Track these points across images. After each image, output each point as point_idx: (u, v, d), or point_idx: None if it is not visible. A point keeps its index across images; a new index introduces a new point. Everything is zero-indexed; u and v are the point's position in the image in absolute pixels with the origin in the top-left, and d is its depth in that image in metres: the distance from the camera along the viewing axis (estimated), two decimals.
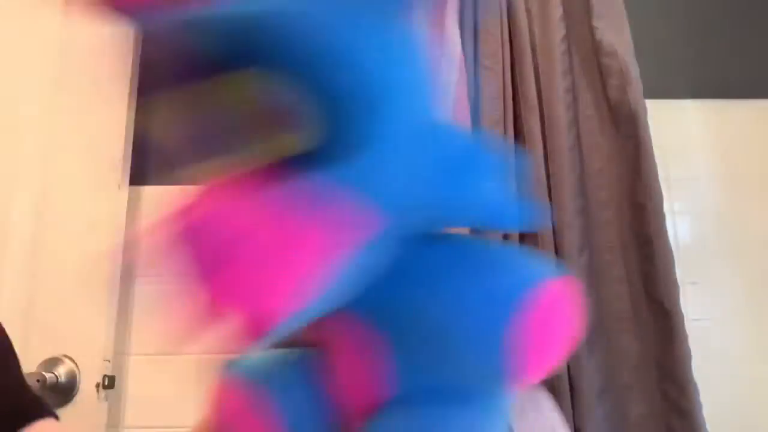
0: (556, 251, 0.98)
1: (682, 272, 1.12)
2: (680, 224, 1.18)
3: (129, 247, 1.09)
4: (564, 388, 0.91)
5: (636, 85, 1.03)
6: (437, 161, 0.27)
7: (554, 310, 0.26)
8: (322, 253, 0.22)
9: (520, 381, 0.26)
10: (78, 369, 0.90)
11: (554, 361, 0.27)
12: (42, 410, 0.52)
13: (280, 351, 0.36)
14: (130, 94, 1.03)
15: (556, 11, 1.10)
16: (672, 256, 0.95)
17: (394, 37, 0.26)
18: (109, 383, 0.92)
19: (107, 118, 1.01)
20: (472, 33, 1.08)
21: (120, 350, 1.05)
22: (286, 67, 0.22)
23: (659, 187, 0.98)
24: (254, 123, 0.23)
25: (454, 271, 0.27)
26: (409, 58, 0.26)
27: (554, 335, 0.26)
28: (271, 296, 0.22)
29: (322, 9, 0.23)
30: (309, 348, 0.33)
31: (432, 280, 0.27)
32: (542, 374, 0.26)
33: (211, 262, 0.22)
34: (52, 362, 0.90)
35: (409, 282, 0.27)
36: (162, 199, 1.11)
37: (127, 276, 1.08)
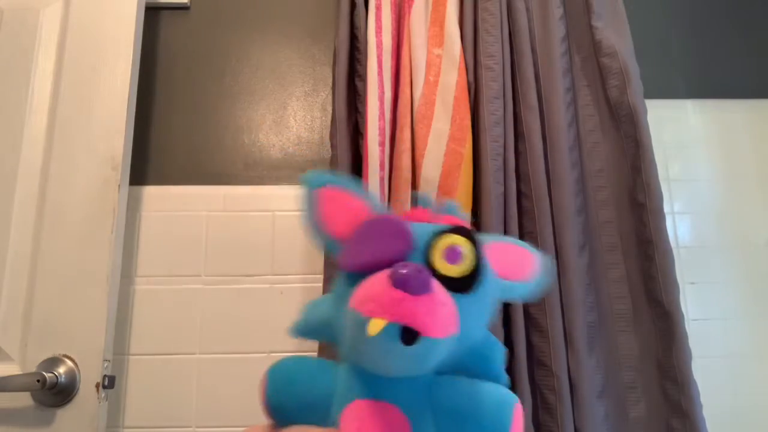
0: (556, 251, 0.98)
1: (682, 272, 1.12)
2: (680, 224, 1.18)
3: (129, 247, 1.10)
4: (564, 388, 0.91)
5: (636, 85, 1.03)
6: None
7: (521, 414, 0.45)
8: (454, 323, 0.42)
9: None
10: (78, 369, 0.90)
11: None
12: None
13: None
14: (130, 94, 1.03)
15: (556, 11, 1.10)
16: (672, 256, 0.95)
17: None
18: (109, 383, 0.92)
19: (107, 117, 1.01)
20: (472, 33, 1.08)
21: (120, 350, 1.05)
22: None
23: (659, 187, 0.98)
24: None
25: (464, 383, 0.47)
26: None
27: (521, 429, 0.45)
28: (445, 326, 0.40)
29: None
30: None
31: (451, 385, 0.47)
32: None
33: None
34: (52, 362, 0.90)
35: (436, 384, 0.46)
36: (162, 199, 1.12)
37: (127, 276, 1.08)
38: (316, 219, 0.53)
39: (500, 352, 0.51)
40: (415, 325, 0.39)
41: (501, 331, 0.93)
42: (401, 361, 0.41)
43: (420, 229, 0.47)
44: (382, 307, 0.39)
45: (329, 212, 0.52)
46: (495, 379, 0.49)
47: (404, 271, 0.40)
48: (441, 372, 0.47)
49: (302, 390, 0.47)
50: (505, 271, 0.52)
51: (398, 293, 0.39)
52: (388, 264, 0.43)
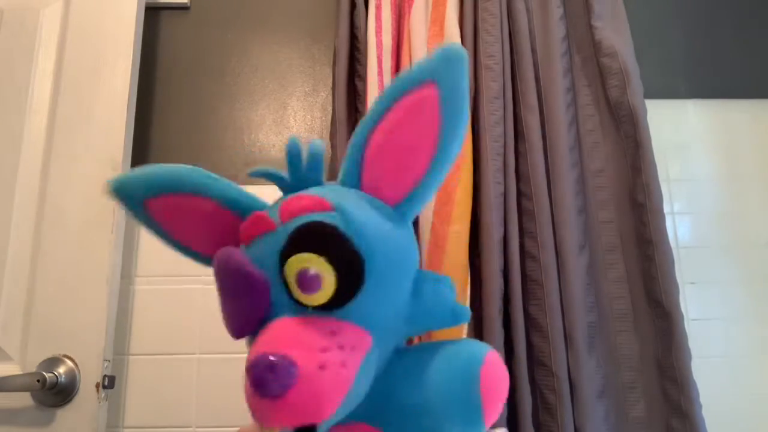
0: (556, 251, 0.98)
1: (682, 272, 1.12)
2: (680, 224, 1.18)
3: (129, 247, 1.10)
4: (564, 388, 0.91)
5: (636, 85, 1.03)
6: (409, 298, 0.42)
7: (496, 370, 0.39)
8: (346, 369, 0.34)
9: (484, 426, 0.39)
10: (78, 369, 0.90)
11: (501, 406, 0.39)
12: None
13: None
14: (130, 94, 1.03)
15: (556, 11, 1.10)
16: (672, 256, 0.95)
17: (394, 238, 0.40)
18: (109, 383, 0.92)
19: (107, 117, 1.01)
20: (472, 33, 1.08)
21: (120, 350, 1.05)
22: None
23: (659, 187, 0.98)
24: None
25: (420, 367, 0.40)
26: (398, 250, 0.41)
27: (499, 389, 0.39)
28: (321, 411, 0.34)
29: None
30: None
31: (407, 377, 0.40)
32: (495, 418, 0.38)
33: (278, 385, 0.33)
34: (52, 362, 0.90)
35: (392, 383, 0.40)
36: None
37: (127, 276, 1.08)
38: (170, 240, 0.45)
39: (442, 294, 0.42)
40: (304, 426, 0.34)
41: (501, 332, 0.93)
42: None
43: (267, 252, 0.38)
44: (265, 418, 0.35)
45: (185, 230, 0.44)
46: (451, 322, 0.42)
47: (254, 373, 0.33)
48: (397, 349, 0.43)
49: None
50: (402, 180, 0.40)
51: (266, 402, 0.34)
52: (259, 319, 0.38)
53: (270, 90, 1.22)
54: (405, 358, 0.42)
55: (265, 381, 0.33)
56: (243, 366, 1.10)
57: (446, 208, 0.95)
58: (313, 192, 0.41)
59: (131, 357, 1.06)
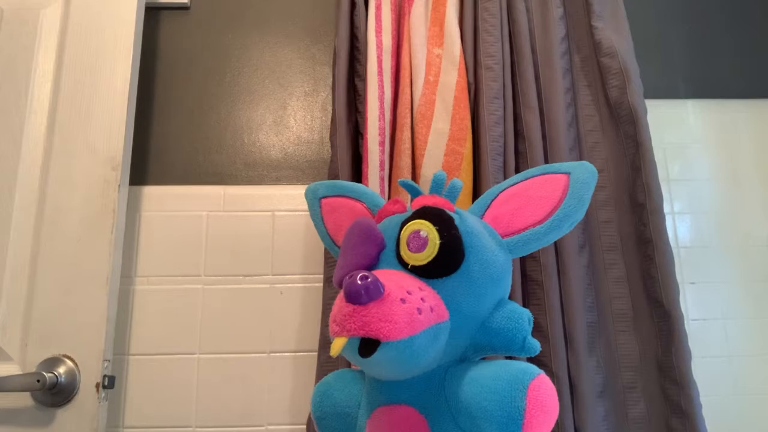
0: (556, 251, 0.98)
1: (682, 272, 1.12)
2: (680, 224, 1.18)
3: (129, 247, 1.10)
4: (564, 388, 0.91)
5: (636, 85, 1.03)
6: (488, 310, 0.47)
7: (547, 387, 0.41)
8: (421, 316, 0.39)
9: None
10: (78, 369, 0.90)
11: (547, 425, 0.40)
12: None
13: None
14: (130, 94, 1.03)
15: (556, 11, 1.10)
16: (672, 256, 0.95)
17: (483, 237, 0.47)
18: (109, 383, 0.92)
19: (107, 117, 1.01)
20: (472, 33, 1.08)
21: (120, 350, 1.05)
22: None
23: (659, 187, 0.98)
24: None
25: (477, 371, 0.44)
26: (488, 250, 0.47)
27: (547, 405, 0.40)
28: (389, 332, 0.38)
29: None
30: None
31: (463, 375, 0.44)
32: None
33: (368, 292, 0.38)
34: (52, 362, 0.90)
35: (448, 380, 0.44)
36: (162, 199, 1.12)
37: (127, 276, 1.08)
38: (326, 236, 0.56)
39: (518, 321, 0.46)
40: (370, 335, 0.37)
41: None
42: (378, 369, 0.41)
43: (392, 223, 0.46)
44: (339, 324, 0.39)
45: (334, 225, 0.54)
46: (518, 350, 0.46)
47: (350, 281, 0.38)
48: (465, 357, 0.47)
49: (337, 400, 0.50)
50: (518, 220, 0.47)
51: (349, 307, 0.38)
52: (366, 268, 0.44)
53: (270, 90, 1.22)
54: (466, 364, 0.46)
55: (357, 290, 0.38)
56: (243, 366, 1.10)
57: None
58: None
59: (131, 357, 1.06)
